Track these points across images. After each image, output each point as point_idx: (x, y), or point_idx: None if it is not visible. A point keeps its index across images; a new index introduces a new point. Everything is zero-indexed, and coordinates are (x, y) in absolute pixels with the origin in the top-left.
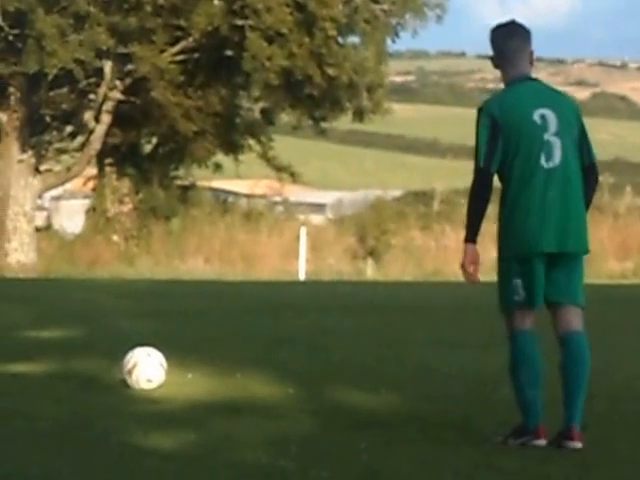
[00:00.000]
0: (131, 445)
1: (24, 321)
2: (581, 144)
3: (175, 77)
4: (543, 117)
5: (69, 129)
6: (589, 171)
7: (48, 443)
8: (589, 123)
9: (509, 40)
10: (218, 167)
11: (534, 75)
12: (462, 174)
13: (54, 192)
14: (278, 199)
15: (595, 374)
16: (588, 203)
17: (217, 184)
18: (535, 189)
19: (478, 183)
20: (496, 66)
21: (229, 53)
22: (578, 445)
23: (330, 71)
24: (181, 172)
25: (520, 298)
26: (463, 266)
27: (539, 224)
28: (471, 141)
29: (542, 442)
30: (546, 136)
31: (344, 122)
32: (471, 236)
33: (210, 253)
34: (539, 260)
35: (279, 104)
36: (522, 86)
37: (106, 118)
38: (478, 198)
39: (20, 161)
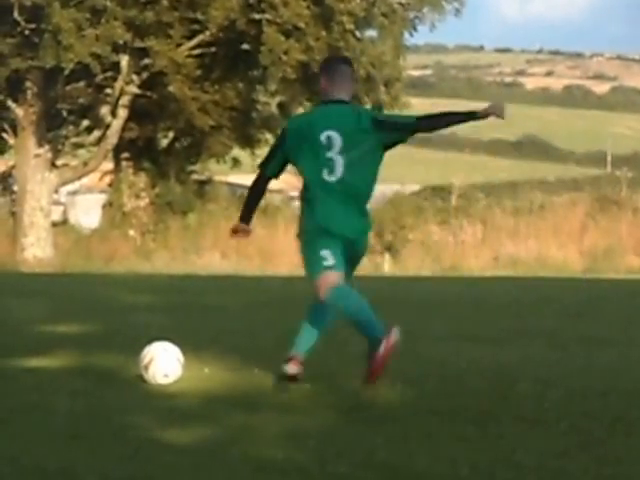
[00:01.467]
0: (148, 440)
1: (40, 316)
2: (390, 136)
3: (192, 71)
4: (329, 138)
5: (86, 123)
6: (418, 124)
7: (64, 438)
8: (607, 117)
9: (340, 65)
10: (236, 162)
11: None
12: (480, 168)
13: (70, 187)
14: (295, 194)
15: (614, 369)
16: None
17: (234, 179)
18: (321, 197)
19: (255, 179)
20: (322, 88)
21: (246, 47)
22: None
23: None
24: (198, 167)
25: (329, 263)
26: (233, 233)
27: (332, 216)
28: (488, 136)
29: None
30: (329, 154)
31: None
32: (243, 218)
33: (227, 248)
34: (339, 241)
35: (296, 98)
36: (322, 108)
37: (123, 112)
38: (252, 190)
39: (37, 156)
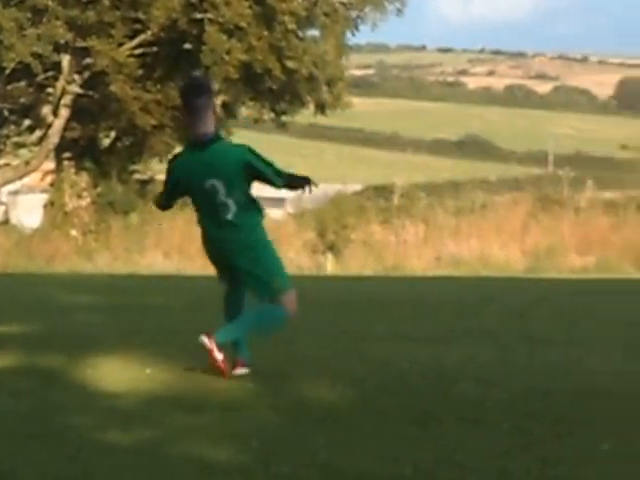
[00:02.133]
0: (90, 441)
1: None
2: (267, 179)
3: (134, 71)
4: (213, 186)
5: (27, 123)
6: (282, 185)
7: (6, 438)
8: (549, 117)
9: (194, 99)
10: None
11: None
12: (422, 168)
13: (12, 186)
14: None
15: (556, 369)
16: (298, 184)
17: None
18: (217, 234)
19: (160, 206)
20: (186, 123)
21: (188, 47)
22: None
23: (290, 64)
24: (140, 166)
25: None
26: None
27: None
28: (430, 135)
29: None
30: (220, 198)
31: (304, 116)
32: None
33: (169, 247)
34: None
35: (239, 98)
36: (200, 153)
37: (64, 112)
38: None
39: None
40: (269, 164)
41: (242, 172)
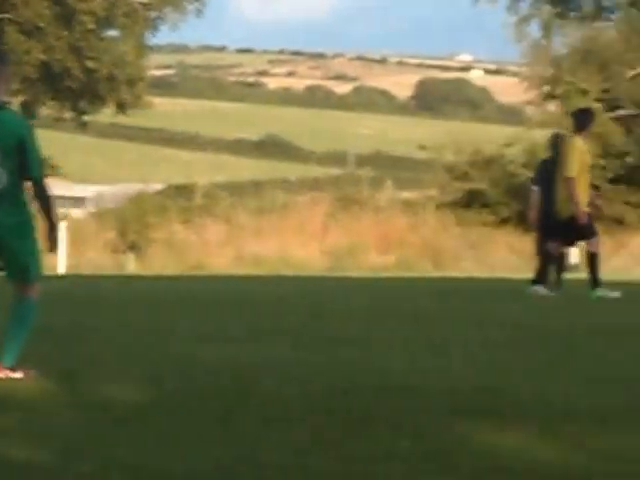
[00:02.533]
0: None
1: None
2: (27, 162)
3: None
4: None
5: None
6: (35, 187)
7: None
8: (349, 117)
9: None
10: None
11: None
12: (223, 168)
13: None
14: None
15: (355, 367)
16: (48, 212)
17: None
18: None
19: None
20: None
21: None
22: None
23: (89, 64)
24: None
25: None
26: None
27: None
28: (231, 135)
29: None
30: None
31: (105, 115)
32: None
33: None
34: None
35: (39, 97)
36: None
37: None
38: None
39: None
40: (37, 156)
41: (17, 146)
